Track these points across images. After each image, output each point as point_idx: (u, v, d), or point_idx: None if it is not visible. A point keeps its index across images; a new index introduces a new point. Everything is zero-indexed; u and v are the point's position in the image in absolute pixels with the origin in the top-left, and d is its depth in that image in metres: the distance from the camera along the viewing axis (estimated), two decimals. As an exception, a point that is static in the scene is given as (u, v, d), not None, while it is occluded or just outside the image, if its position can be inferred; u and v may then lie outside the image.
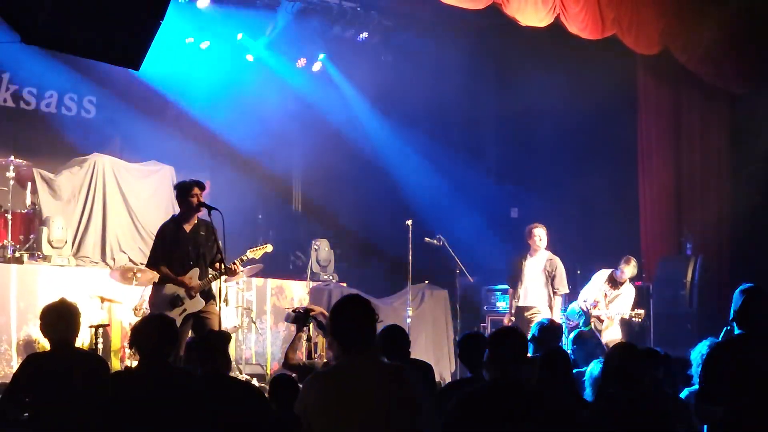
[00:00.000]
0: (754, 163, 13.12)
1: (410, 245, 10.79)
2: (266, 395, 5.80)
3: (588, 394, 5.75)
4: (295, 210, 14.98)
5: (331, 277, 12.66)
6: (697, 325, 12.09)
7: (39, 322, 5.71)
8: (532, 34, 11.84)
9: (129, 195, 12.10)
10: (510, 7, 10.95)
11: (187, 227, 8.33)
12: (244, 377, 10.25)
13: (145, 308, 9.39)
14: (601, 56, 12.28)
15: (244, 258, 8.57)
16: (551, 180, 13.95)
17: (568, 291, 10.58)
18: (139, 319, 8.94)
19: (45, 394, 5.36)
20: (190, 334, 8.11)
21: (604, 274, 10.81)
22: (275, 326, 11.94)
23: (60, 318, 5.59)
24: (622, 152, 13.48)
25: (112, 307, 10.21)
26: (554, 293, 10.30)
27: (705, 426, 5.31)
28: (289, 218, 14.75)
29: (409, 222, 10.80)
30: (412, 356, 6.66)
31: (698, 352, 6.09)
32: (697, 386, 5.44)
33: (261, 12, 12.80)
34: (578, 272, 12.33)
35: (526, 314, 10.25)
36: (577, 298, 10.84)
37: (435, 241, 10.99)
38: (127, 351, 9.88)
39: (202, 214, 8.31)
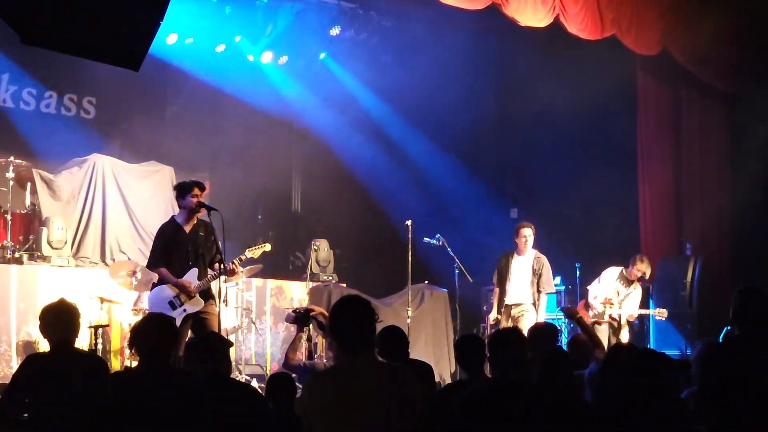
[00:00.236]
0: (754, 163, 13.12)
1: (410, 245, 10.78)
2: (264, 395, 5.80)
3: (587, 394, 5.74)
4: (294, 210, 14.98)
5: (330, 278, 12.66)
6: (697, 326, 12.10)
7: (38, 322, 5.70)
8: (532, 35, 11.85)
9: (128, 195, 12.10)
10: (509, 8, 10.95)
11: (187, 228, 8.33)
12: (243, 378, 10.26)
13: (144, 308, 9.40)
14: (600, 56, 12.28)
15: (243, 258, 8.57)
16: (551, 180, 13.95)
17: (554, 290, 10.60)
18: (138, 319, 8.95)
19: (44, 395, 5.35)
20: (189, 334, 8.11)
21: (614, 271, 10.69)
22: (275, 327, 11.94)
23: (59, 318, 5.59)
24: (621, 152, 13.48)
25: (111, 307, 10.23)
26: (539, 292, 10.25)
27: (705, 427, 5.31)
28: (289, 219, 14.75)
29: (409, 222, 10.79)
30: (412, 356, 6.65)
31: (698, 353, 6.08)
32: (696, 387, 5.44)
33: (261, 12, 12.80)
34: (578, 273, 12.34)
35: (513, 312, 10.24)
36: (587, 296, 10.74)
37: (435, 241, 10.99)
38: (126, 351, 9.88)
39: (202, 214, 8.31)
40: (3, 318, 9.80)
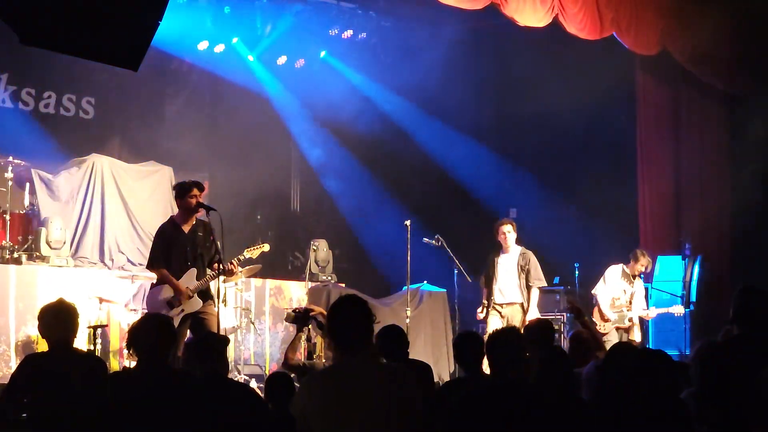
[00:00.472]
0: (753, 162, 13.12)
1: (409, 245, 10.77)
2: (263, 395, 5.80)
3: (584, 392, 5.74)
4: (293, 210, 14.98)
5: (329, 278, 12.65)
6: (696, 325, 12.10)
7: (37, 322, 5.70)
8: (531, 35, 11.84)
9: (127, 196, 12.10)
10: (508, 8, 10.94)
11: (186, 228, 8.33)
12: (242, 378, 10.25)
13: (143, 308, 9.40)
14: (599, 56, 12.28)
15: (241, 258, 8.57)
16: (550, 180, 13.95)
17: (545, 284, 10.38)
18: (136, 319, 8.95)
19: (43, 395, 5.34)
20: (188, 334, 8.11)
21: (617, 269, 10.62)
22: (274, 327, 11.94)
23: (58, 318, 5.58)
24: (621, 152, 13.48)
25: (110, 307, 10.22)
26: (529, 287, 10.11)
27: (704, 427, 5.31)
28: (288, 219, 14.75)
29: (408, 222, 10.78)
30: (411, 356, 6.65)
31: (696, 353, 6.07)
32: (696, 387, 5.43)
33: (260, 12, 12.80)
34: (576, 273, 12.33)
35: (504, 311, 10.13)
36: (598, 302, 10.62)
37: (434, 242, 10.97)
38: (125, 351, 9.87)
39: (201, 214, 8.31)
40: (2, 318, 9.79)
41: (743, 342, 5.23)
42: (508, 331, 5.16)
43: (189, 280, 8.20)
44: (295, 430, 4.26)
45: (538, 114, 13.55)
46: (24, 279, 10.11)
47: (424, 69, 13.35)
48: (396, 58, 13.62)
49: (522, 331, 6.71)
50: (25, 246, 10.74)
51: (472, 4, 11.00)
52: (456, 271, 11.29)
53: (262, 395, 5.94)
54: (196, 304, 8.19)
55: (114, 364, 10.08)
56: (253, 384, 9.73)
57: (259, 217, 14.05)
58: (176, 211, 8.59)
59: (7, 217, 10.65)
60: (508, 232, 10.25)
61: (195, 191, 8.29)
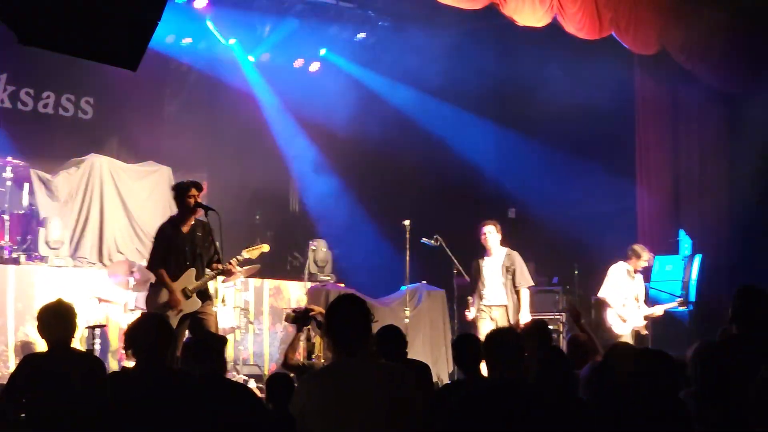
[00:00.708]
0: (752, 162, 13.12)
1: (407, 245, 10.77)
2: (262, 396, 5.80)
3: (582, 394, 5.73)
4: (292, 210, 14.98)
5: (328, 278, 12.65)
6: (695, 325, 12.09)
7: (36, 322, 5.70)
8: (530, 34, 11.84)
9: (126, 196, 12.09)
10: (507, 7, 10.94)
11: (185, 228, 8.32)
12: (241, 378, 10.25)
13: (142, 308, 9.39)
14: (598, 56, 12.28)
15: (240, 258, 8.57)
16: (548, 180, 13.95)
17: (532, 283, 10.23)
18: (134, 319, 8.95)
19: (42, 395, 5.34)
20: (186, 334, 8.10)
21: (620, 268, 10.50)
22: (273, 327, 11.93)
23: (57, 318, 5.58)
24: (619, 152, 13.47)
25: (109, 307, 10.22)
26: (516, 288, 9.98)
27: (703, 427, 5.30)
28: (287, 218, 14.74)
29: (407, 222, 10.78)
30: (410, 357, 6.65)
31: (694, 353, 6.06)
32: (695, 387, 5.43)
33: (259, 13, 12.80)
34: (575, 272, 12.33)
35: (493, 313, 10.00)
36: (606, 298, 10.42)
37: (432, 241, 10.96)
38: (123, 351, 9.88)
39: (200, 214, 8.31)
40: (1, 318, 9.77)
41: (743, 342, 5.23)
42: (506, 332, 5.16)
43: (188, 280, 8.19)
44: (294, 431, 4.26)
45: (536, 113, 13.55)
46: (23, 279, 10.10)
47: (424, 69, 13.36)
48: (395, 57, 13.63)
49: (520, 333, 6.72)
50: (24, 246, 10.74)
51: (471, 4, 10.99)
52: (455, 272, 11.28)
53: (260, 395, 5.94)
54: (195, 304, 8.19)
55: (113, 364, 10.07)
56: (252, 384, 9.73)
57: (257, 217, 14.04)
58: (175, 211, 8.58)
59: (6, 218, 10.64)
60: (489, 233, 10.08)
61: (193, 191, 8.29)
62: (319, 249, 12.70)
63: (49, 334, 5.59)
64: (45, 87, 12.47)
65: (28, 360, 5.63)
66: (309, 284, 12.06)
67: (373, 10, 13.14)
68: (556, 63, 12.99)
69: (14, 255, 10.49)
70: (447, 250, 11.02)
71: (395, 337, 6.25)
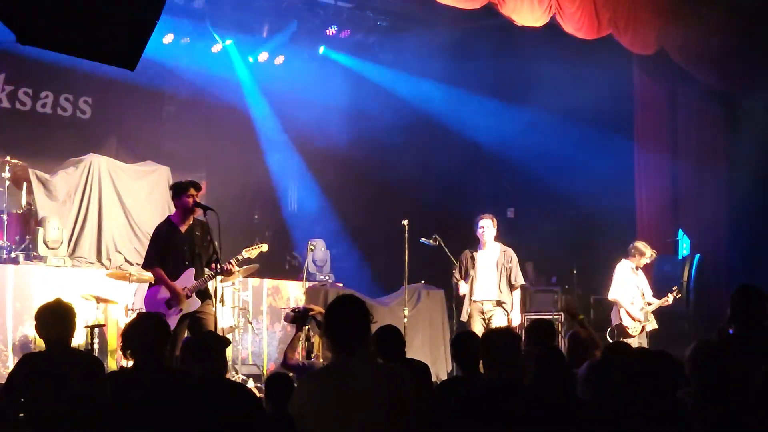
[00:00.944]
0: (751, 162, 13.13)
1: (406, 245, 10.76)
2: (261, 396, 5.79)
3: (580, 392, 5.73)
4: (291, 210, 14.97)
5: (327, 278, 12.64)
6: (694, 325, 12.11)
7: (35, 322, 5.69)
8: (529, 34, 11.84)
9: (125, 195, 12.08)
10: (506, 7, 10.94)
11: (183, 228, 8.31)
12: (240, 378, 10.25)
13: (140, 308, 9.39)
14: (597, 55, 12.28)
15: (240, 258, 8.56)
16: (547, 180, 13.94)
17: (524, 282, 10.27)
18: (131, 319, 8.95)
19: (41, 394, 5.33)
20: (186, 334, 8.10)
21: (626, 267, 10.47)
22: (271, 326, 11.93)
23: (55, 318, 5.57)
24: (618, 151, 13.48)
25: (107, 307, 10.22)
26: (512, 286, 10.00)
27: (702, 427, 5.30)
28: (286, 218, 14.74)
29: (405, 222, 10.78)
30: (409, 356, 6.64)
31: (691, 353, 6.06)
32: (693, 387, 5.43)
33: (257, 13, 12.80)
34: (574, 272, 12.34)
35: (483, 309, 9.99)
36: (619, 300, 10.37)
37: (431, 241, 10.95)
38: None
39: (198, 214, 8.30)
40: (-1, 318, 9.80)
41: (742, 341, 5.24)
42: (502, 332, 5.16)
43: (187, 280, 8.19)
44: (294, 431, 4.26)
45: (535, 113, 13.55)
46: (21, 279, 10.11)
47: (422, 68, 13.36)
48: (393, 56, 13.63)
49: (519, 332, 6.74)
50: (23, 246, 10.74)
51: (470, 3, 10.99)
52: (454, 271, 11.27)
53: (258, 395, 5.93)
54: (195, 303, 8.18)
55: (111, 364, 10.07)
56: (251, 384, 9.73)
57: (256, 216, 14.05)
58: (173, 210, 8.57)
59: (5, 217, 10.65)
60: (487, 227, 10.11)
61: (192, 191, 8.27)
62: (318, 248, 12.70)
63: (47, 334, 5.58)
64: (43, 87, 12.48)
65: (27, 359, 5.63)
66: (307, 284, 12.06)
67: (371, 10, 13.13)
68: (554, 63, 12.98)
69: (13, 255, 10.50)
70: (445, 249, 11.01)
71: (394, 337, 6.25)
